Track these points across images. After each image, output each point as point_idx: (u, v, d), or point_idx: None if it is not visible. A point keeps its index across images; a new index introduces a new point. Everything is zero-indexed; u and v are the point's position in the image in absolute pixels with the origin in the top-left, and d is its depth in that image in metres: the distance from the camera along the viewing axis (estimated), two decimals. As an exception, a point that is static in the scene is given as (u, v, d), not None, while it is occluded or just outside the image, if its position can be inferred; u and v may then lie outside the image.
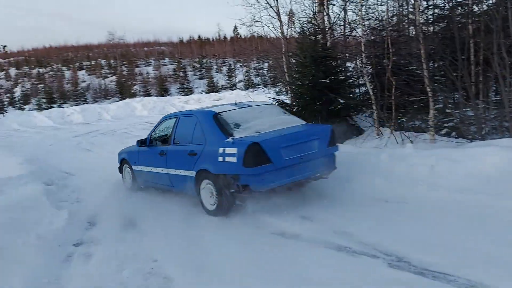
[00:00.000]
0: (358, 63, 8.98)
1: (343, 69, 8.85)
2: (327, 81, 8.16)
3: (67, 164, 9.13)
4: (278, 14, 10.22)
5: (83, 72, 53.55)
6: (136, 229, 4.90)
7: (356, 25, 8.95)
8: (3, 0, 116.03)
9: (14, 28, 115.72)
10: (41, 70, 56.76)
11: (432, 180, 5.14)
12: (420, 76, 7.12)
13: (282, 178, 4.70)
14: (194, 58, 50.16)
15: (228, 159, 4.62)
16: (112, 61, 54.01)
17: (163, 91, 37.35)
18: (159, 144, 6.08)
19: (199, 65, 46.99)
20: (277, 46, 10.45)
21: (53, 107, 32.91)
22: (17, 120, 23.33)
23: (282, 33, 10.23)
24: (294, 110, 8.79)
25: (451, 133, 6.98)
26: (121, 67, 50.72)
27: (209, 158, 4.88)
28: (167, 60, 54.34)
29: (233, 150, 4.56)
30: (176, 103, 24.11)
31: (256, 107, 5.70)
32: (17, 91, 45.98)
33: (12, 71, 58.58)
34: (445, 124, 7.08)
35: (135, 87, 40.61)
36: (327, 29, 9.31)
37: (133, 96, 34.36)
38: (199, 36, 67.83)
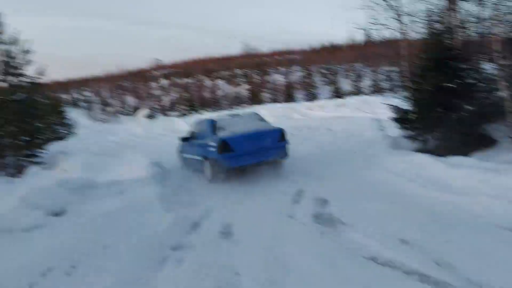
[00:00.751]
0: (492, 64, 7.73)
1: (474, 71, 7.71)
2: (453, 85, 7.26)
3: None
4: (399, 15, 9.48)
5: (221, 81, 57.80)
6: (232, 239, 4.96)
7: (492, 21, 7.73)
8: (186, 20, 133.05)
9: (168, 43, 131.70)
10: (187, 80, 63.04)
11: None
12: None
13: (243, 161, 7.40)
14: (322, 64, 49.88)
15: (212, 149, 7.53)
16: (246, 70, 57.09)
17: (290, 98, 37.97)
18: (190, 140, 8.92)
19: (326, 71, 46.59)
20: (398, 49, 9.68)
21: (192, 113, 36.30)
22: (162, 125, 26.34)
23: (404, 34, 9.46)
24: (411, 118, 8.04)
25: None
26: (254, 76, 53.28)
27: (207, 149, 7.75)
28: (296, 67, 55.18)
29: (214, 144, 7.47)
30: (300, 109, 24.25)
31: (243, 115, 8.79)
32: (166, 100, 51.99)
33: (164, 82, 66.35)
34: None
35: (264, 94, 42.20)
36: (454, 28, 8.27)
37: (261, 102, 35.69)
38: (328, 42, 67.21)
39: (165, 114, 40.93)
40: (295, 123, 21.03)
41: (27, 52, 11.93)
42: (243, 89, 47.70)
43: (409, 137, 8.29)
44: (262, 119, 8.55)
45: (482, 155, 6.96)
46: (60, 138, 24.41)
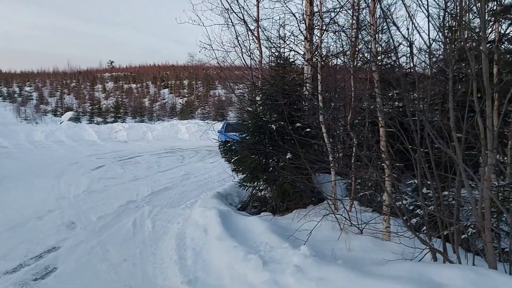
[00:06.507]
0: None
1: (306, 113, 6.57)
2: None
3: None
4: (258, 39, 8.33)
5: (166, 90, 56.04)
6: None
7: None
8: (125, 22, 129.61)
9: (129, 46, 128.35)
10: (133, 86, 60.81)
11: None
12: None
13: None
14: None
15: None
16: (193, 82, 55.76)
17: (220, 115, 36.14)
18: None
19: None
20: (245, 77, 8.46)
21: (118, 121, 34.14)
22: (72, 132, 23.99)
23: (261, 62, 8.32)
24: (232, 160, 6.79)
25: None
26: (198, 89, 51.92)
27: None
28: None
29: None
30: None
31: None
32: (105, 103, 49.39)
33: (110, 85, 63.60)
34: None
35: (198, 110, 40.54)
36: (312, 59, 7.17)
37: (188, 118, 33.81)
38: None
39: (91, 120, 38.37)
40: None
41: None
42: (184, 101, 46.21)
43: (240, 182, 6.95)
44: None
45: (302, 213, 5.72)
46: None
